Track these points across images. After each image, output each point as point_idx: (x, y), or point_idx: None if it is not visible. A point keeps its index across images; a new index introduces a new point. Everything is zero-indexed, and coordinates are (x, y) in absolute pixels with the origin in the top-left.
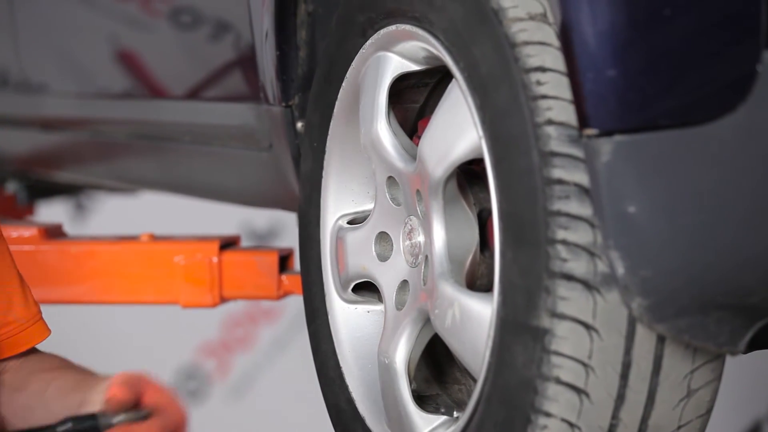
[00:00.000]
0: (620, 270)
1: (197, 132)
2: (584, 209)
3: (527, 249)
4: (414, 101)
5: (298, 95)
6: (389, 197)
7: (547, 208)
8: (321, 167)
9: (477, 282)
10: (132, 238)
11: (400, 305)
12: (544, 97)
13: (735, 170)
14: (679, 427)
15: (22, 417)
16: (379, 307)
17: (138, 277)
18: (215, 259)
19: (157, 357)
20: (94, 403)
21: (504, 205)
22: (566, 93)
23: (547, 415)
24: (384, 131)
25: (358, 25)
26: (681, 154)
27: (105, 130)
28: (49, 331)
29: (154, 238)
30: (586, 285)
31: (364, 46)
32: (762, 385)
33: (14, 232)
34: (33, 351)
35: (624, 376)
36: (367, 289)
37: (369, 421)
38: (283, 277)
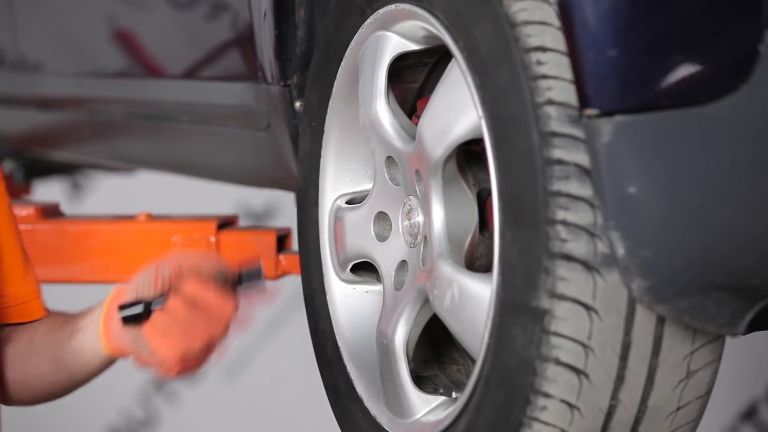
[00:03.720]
0: (620, 250)
1: (195, 111)
2: (584, 190)
3: (527, 229)
4: (413, 81)
5: (296, 75)
6: (388, 177)
7: (547, 188)
8: (319, 147)
9: (476, 262)
10: (129, 218)
11: (398, 285)
12: (545, 77)
13: (736, 151)
14: (679, 408)
15: (22, 369)
16: (378, 288)
17: (135, 256)
18: (212, 239)
19: None
20: (87, 329)
21: (503, 186)
22: (566, 73)
23: (547, 395)
24: (383, 111)
25: (356, 5)
26: (682, 135)
27: (102, 110)
28: (45, 311)
29: (152, 217)
30: (586, 265)
31: (362, 25)
32: (760, 366)
33: None
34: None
35: (623, 357)
36: (365, 269)
37: (367, 402)
38: (281, 257)
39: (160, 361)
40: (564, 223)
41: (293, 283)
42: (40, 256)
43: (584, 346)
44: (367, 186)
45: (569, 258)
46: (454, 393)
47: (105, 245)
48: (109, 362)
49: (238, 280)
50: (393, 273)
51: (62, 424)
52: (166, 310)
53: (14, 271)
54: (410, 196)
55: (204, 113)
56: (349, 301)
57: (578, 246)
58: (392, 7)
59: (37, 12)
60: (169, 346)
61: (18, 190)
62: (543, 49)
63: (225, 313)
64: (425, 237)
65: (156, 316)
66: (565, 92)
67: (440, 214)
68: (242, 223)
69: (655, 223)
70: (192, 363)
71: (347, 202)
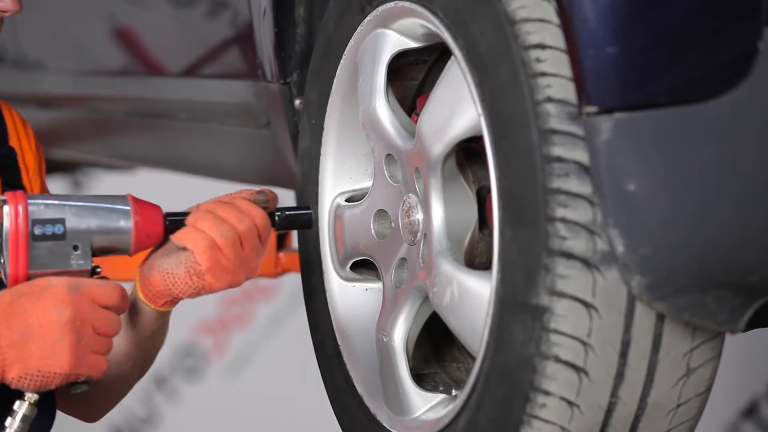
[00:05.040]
0: (620, 248)
1: (195, 109)
2: (584, 187)
3: (526, 227)
4: (413, 78)
5: (296, 72)
6: (388, 175)
7: (546, 185)
8: (319, 145)
9: (476, 260)
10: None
11: (398, 283)
12: (544, 74)
13: (735, 148)
14: (678, 406)
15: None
16: (378, 285)
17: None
18: None
19: None
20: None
21: (503, 183)
22: (566, 70)
23: (546, 393)
24: (382, 109)
25: (356, 2)
26: (681, 132)
27: (102, 108)
28: None
29: None
30: (586, 263)
31: (362, 23)
32: (761, 363)
33: None
34: None
35: (623, 354)
36: (365, 266)
37: (367, 400)
38: (281, 254)
39: (200, 258)
40: (563, 220)
41: (293, 281)
42: None
43: (584, 343)
44: (367, 184)
45: (569, 255)
46: (453, 390)
47: None
48: (160, 315)
49: (279, 213)
50: (393, 271)
51: (63, 424)
52: (200, 207)
53: None
54: (410, 194)
55: (204, 111)
56: (349, 299)
57: (578, 243)
58: (391, 4)
59: (37, 10)
60: (204, 234)
61: None
62: (542, 46)
63: (257, 215)
64: (425, 234)
65: (190, 217)
66: (565, 89)
67: (440, 211)
68: None
69: (654, 220)
70: (230, 263)
71: (347, 200)
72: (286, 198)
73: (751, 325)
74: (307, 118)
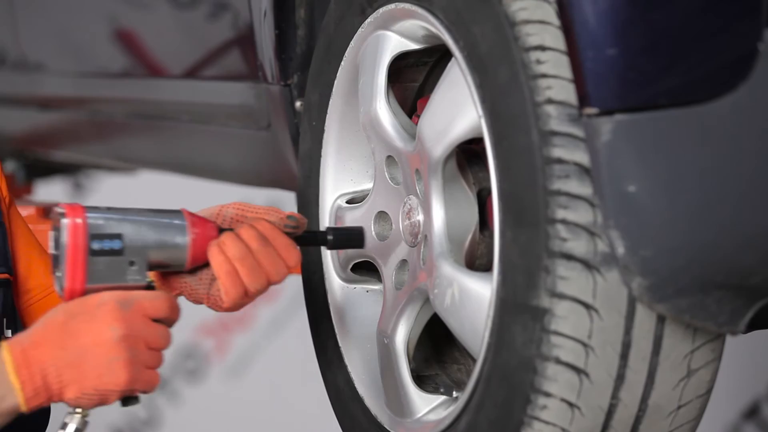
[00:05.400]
0: (620, 249)
1: (196, 111)
2: (584, 188)
3: (527, 228)
4: (413, 80)
5: (296, 74)
6: (388, 176)
7: (546, 187)
8: (320, 146)
9: (476, 262)
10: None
11: (399, 285)
12: (544, 76)
13: (736, 149)
14: (679, 407)
15: None
16: (378, 287)
17: None
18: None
19: None
20: None
21: (503, 185)
22: (566, 72)
23: (547, 395)
24: (383, 110)
25: (356, 4)
26: (681, 134)
27: (103, 109)
28: None
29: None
30: (586, 264)
31: (363, 24)
32: (762, 365)
33: None
34: None
35: (624, 356)
36: (366, 268)
37: (368, 401)
38: None
39: (225, 299)
40: (564, 222)
41: (294, 283)
42: None
43: (584, 345)
44: (368, 185)
45: (569, 257)
46: (454, 392)
47: None
48: None
49: (306, 237)
50: (393, 272)
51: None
52: (240, 235)
53: (34, 261)
54: (410, 196)
55: (205, 113)
56: (350, 301)
57: (578, 245)
58: (392, 6)
59: (38, 12)
60: (239, 281)
61: (19, 191)
62: (542, 47)
63: (291, 257)
64: (425, 236)
65: (227, 238)
66: (565, 91)
67: (440, 213)
68: None
69: (655, 221)
70: (248, 299)
71: (347, 202)
72: (288, 199)
73: (752, 326)
74: (307, 120)
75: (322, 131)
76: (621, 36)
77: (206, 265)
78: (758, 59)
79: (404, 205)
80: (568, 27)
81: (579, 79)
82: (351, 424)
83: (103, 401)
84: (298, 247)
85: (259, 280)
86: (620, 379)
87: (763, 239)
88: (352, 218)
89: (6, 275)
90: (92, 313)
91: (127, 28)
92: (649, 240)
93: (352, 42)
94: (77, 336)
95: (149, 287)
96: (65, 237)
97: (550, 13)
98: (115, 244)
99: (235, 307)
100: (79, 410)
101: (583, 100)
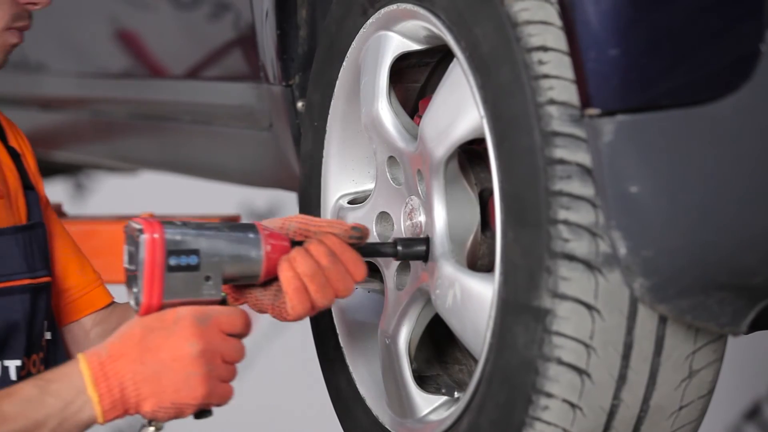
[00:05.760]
0: (622, 250)
1: (197, 111)
2: (586, 189)
3: (529, 229)
4: (415, 81)
5: (298, 75)
6: (390, 177)
7: (548, 188)
8: (321, 147)
9: (478, 262)
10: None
11: (400, 285)
12: (546, 76)
13: (738, 150)
14: (681, 408)
15: None
16: (380, 287)
17: None
18: None
19: None
20: None
21: (505, 185)
22: (568, 72)
23: (549, 395)
24: (385, 111)
25: (358, 4)
26: (683, 134)
27: (105, 110)
28: (110, 297)
29: (154, 217)
30: (588, 265)
31: (364, 25)
32: (764, 365)
33: None
34: (112, 305)
35: (625, 356)
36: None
37: (369, 402)
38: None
39: (290, 311)
40: (566, 222)
41: None
42: None
43: (586, 345)
44: (369, 186)
45: (571, 257)
46: (456, 392)
47: (107, 245)
48: None
49: (374, 249)
50: (395, 273)
51: None
52: (310, 250)
53: (70, 262)
54: (412, 196)
55: (206, 113)
56: (352, 301)
57: (580, 245)
58: (394, 6)
59: (39, 12)
60: (307, 297)
61: None
62: (545, 48)
63: (359, 271)
64: (427, 237)
65: (297, 254)
66: (567, 92)
67: (442, 213)
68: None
69: (656, 222)
70: (313, 312)
71: (349, 202)
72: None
73: (754, 327)
74: (309, 121)
75: (323, 132)
76: (623, 36)
77: (274, 277)
78: (760, 60)
79: (406, 205)
80: (570, 28)
81: (581, 79)
82: (352, 424)
83: (178, 415)
84: (365, 260)
85: (327, 296)
86: (622, 379)
87: (764, 240)
88: (353, 219)
89: (48, 278)
90: (170, 328)
91: (128, 29)
92: (650, 240)
93: (353, 42)
94: (155, 351)
95: (223, 302)
96: (143, 253)
97: (552, 14)
98: (192, 260)
99: (299, 319)
100: (154, 424)
101: (585, 100)
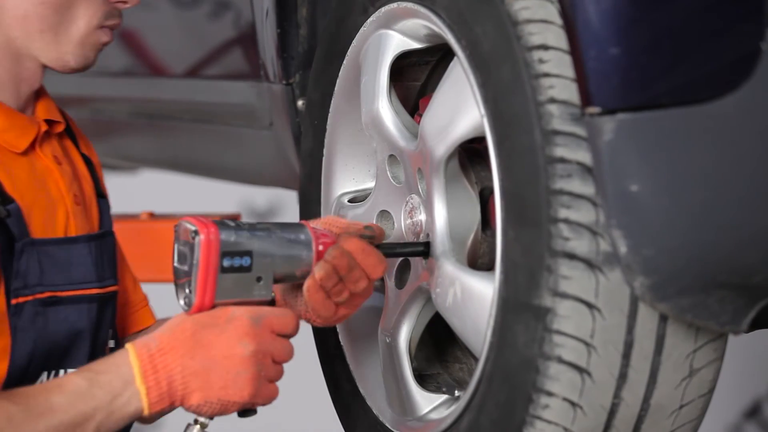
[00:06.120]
0: (622, 249)
1: (198, 110)
2: (586, 188)
3: (529, 228)
4: (415, 79)
5: (298, 73)
6: (390, 175)
7: (549, 186)
8: (322, 145)
9: (478, 261)
10: (132, 217)
11: (401, 284)
12: (547, 75)
13: (738, 149)
14: (681, 407)
15: None
16: (380, 286)
17: (137, 255)
18: None
19: None
20: None
21: (506, 184)
22: (569, 71)
23: (549, 394)
24: (385, 109)
25: (359, 3)
26: (684, 133)
27: (105, 108)
28: (154, 319)
29: (154, 216)
30: (589, 264)
31: (365, 24)
32: (764, 364)
33: None
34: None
35: (626, 355)
36: None
37: (369, 400)
38: None
39: (313, 319)
40: (566, 221)
41: None
42: None
43: (587, 344)
44: (370, 184)
45: (572, 256)
46: (456, 391)
47: None
48: None
49: (405, 249)
50: (395, 271)
51: None
52: (328, 258)
53: (126, 278)
54: (412, 195)
55: (207, 112)
56: None
57: (581, 244)
58: (394, 5)
59: None
60: (324, 298)
61: None
62: (545, 47)
63: (378, 272)
64: (427, 235)
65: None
66: (568, 90)
67: (442, 212)
68: (245, 221)
69: (657, 221)
70: (341, 318)
71: (350, 201)
72: (290, 198)
73: (754, 326)
74: (309, 119)
75: (324, 130)
76: (623, 35)
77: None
78: (760, 59)
79: (406, 204)
80: (570, 26)
81: (581, 78)
82: (352, 422)
83: (223, 412)
84: (386, 261)
85: (349, 303)
86: (622, 378)
87: (765, 238)
88: (354, 217)
89: (115, 287)
90: (223, 326)
91: (129, 27)
92: (651, 239)
93: (354, 41)
94: (207, 347)
95: (272, 302)
96: (198, 254)
97: (553, 13)
98: (245, 261)
99: (328, 324)
100: (200, 422)
101: (586, 99)
